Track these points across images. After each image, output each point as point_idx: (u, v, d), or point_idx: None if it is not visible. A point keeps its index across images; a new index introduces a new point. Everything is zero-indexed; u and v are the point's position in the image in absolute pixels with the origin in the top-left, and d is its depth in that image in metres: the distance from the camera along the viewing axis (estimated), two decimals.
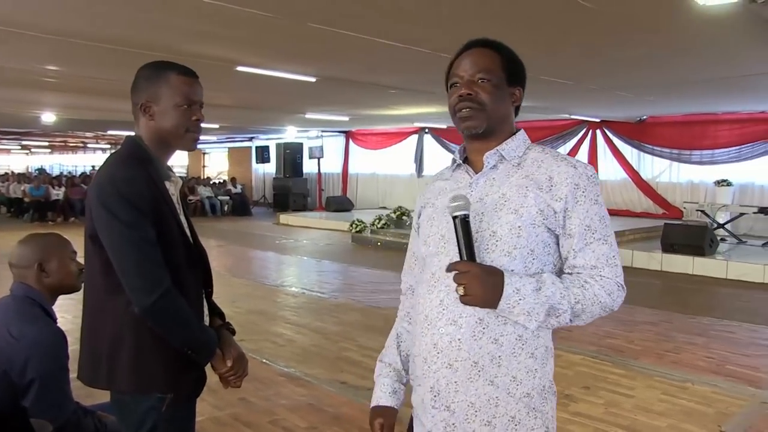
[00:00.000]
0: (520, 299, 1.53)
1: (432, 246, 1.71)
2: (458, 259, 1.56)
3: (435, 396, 1.63)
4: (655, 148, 14.78)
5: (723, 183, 13.27)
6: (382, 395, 1.87)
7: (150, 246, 1.86)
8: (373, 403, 1.88)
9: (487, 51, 1.72)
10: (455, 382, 1.60)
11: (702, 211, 12.38)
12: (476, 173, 1.71)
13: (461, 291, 1.51)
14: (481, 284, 1.51)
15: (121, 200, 1.83)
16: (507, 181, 1.66)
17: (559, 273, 1.66)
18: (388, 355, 1.93)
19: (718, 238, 11.04)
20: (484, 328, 1.58)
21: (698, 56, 7.22)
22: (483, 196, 1.66)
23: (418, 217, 1.86)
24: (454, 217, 1.56)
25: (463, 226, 1.55)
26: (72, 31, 6.29)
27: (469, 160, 1.77)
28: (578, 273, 1.61)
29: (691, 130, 14.08)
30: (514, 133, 1.74)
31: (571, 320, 1.58)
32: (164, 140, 2.01)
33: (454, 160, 1.79)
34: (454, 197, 1.58)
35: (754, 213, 11.99)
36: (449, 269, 1.55)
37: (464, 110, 1.68)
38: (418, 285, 1.77)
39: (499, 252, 1.59)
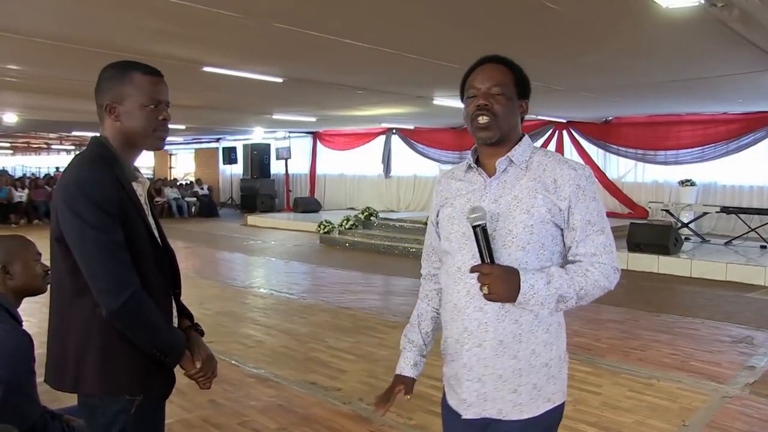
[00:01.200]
0: (534, 293, 1.77)
1: (455, 242, 1.94)
2: (478, 255, 1.81)
3: (468, 371, 1.90)
4: (620, 148, 14.96)
5: (687, 183, 13.49)
6: (405, 367, 2.16)
7: (117, 248, 1.83)
8: (397, 372, 2.18)
9: (501, 67, 1.93)
10: (484, 358, 1.87)
11: (667, 211, 12.56)
12: (489, 176, 1.94)
13: (486, 290, 1.77)
14: (502, 284, 1.76)
15: (87, 203, 1.80)
16: (518, 184, 1.89)
17: (564, 259, 1.93)
18: (410, 333, 2.17)
19: (683, 237, 11.21)
20: (506, 312, 1.84)
21: (661, 58, 7.33)
22: (497, 198, 1.89)
23: (437, 215, 2.06)
24: (475, 227, 1.80)
25: (483, 234, 1.79)
26: (33, 30, 6.18)
27: (480, 163, 1.99)
28: (580, 261, 1.88)
29: (655, 130, 14.28)
30: (521, 139, 1.96)
31: (576, 303, 1.85)
32: (131, 141, 1.99)
33: (468, 163, 1.99)
34: (473, 209, 1.81)
35: (717, 212, 12.21)
36: (473, 271, 1.80)
37: (480, 119, 1.88)
38: (443, 275, 2.01)
39: (515, 247, 1.84)
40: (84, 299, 1.85)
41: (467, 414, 1.92)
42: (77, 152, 2.12)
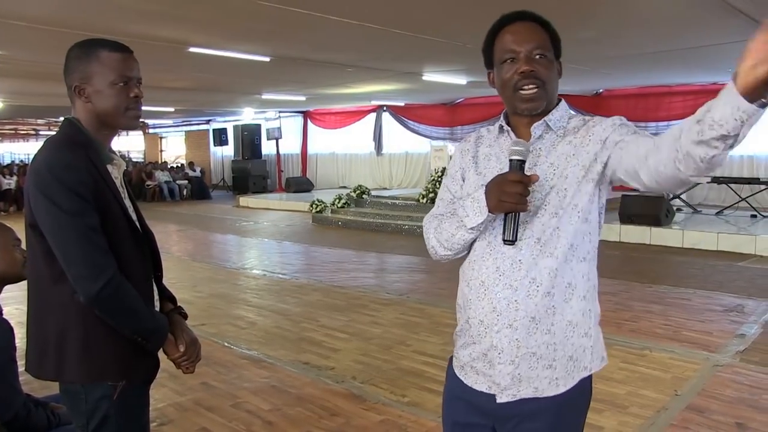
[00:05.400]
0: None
1: None
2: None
3: (500, 353, 1.73)
4: None
5: None
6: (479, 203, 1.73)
7: (93, 233, 1.80)
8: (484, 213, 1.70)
9: (535, 25, 1.71)
10: (516, 339, 1.71)
11: None
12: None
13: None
14: None
15: (60, 187, 1.76)
16: (554, 152, 1.73)
17: (599, 220, 1.78)
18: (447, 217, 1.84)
19: (674, 208, 11.24)
20: (537, 287, 1.69)
21: (651, 29, 7.29)
22: (531, 167, 1.71)
23: (463, 180, 1.87)
24: (512, 160, 1.63)
25: (519, 166, 1.63)
26: (16, 14, 6.10)
27: (512, 125, 1.80)
28: (648, 152, 1.57)
29: (647, 102, 14.26)
30: (558, 103, 1.77)
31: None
32: (104, 121, 1.94)
33: (500, 126, 1.81)
34: (516, 141, 1.67)
35: (708, 183, 12.18)
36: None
37: (527, 89, 1.68)
38: (471, 251, 1.81)
39: (549, 215, 1.69)
40: (62, 285, 1.82)
41: (502, 398, 1.75)
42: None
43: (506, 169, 1.69)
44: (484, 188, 1.67)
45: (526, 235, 1.70)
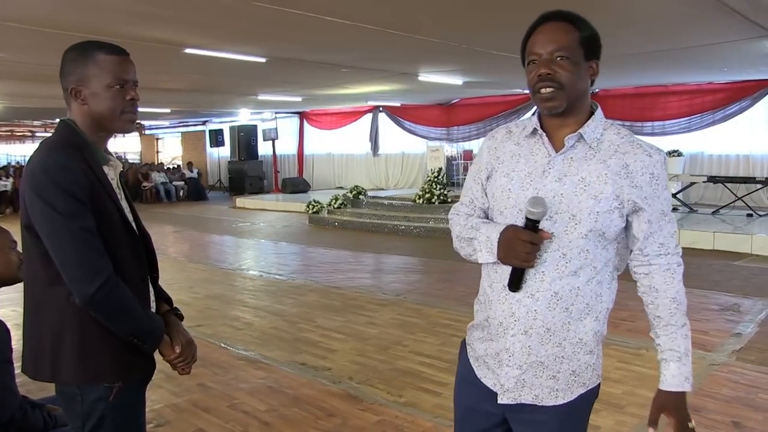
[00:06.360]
0: (688, 372, 1.77)
1: (509, 217, 1.78)
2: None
3: (510, 356, 1.79)
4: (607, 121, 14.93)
5: (674, 153, 13.49)
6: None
7: (89, 235, 1.80)
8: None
9: (563, 25, 1.72)
10: (528, 346, 1.77)
11: None
12: (554, 148, 1.76)
13: None
14: (687, 412, 1.77)
15: (56, 189, 1.76)
16: (586, 166, 1.72)
17: (623, 249, 1.84)
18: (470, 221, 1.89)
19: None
20: (558, 300, 1.73)
21: (646, 28, 7.30)
22: (561, 176, 1.72)
23: (487, 178, 1.87)
24: (529, 220, 1.67)
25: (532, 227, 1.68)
26: (12, 16, 6.09)
27: (544, 128, 1.79)
28: (648, 258, 1.79)
29: (642, 102, 14.26)
30: (593, 112, 1.78)
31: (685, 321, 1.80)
32: (99, 124, 1.94)
33: (534, 127, 1.80)
34: (535, 201, 1.66)
35: (704, 182, 12.27)
36: None
37: (543, 90, 1.70)
38: None
39: (577, 234, 1.70)
40: (58, 287, 1.82)
41: (503, 399, 1.82)
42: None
43: (535, 174, 1.74)
44: (498, 235, 1.73)
45: (552, 248, 1.72)
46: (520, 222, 1.71)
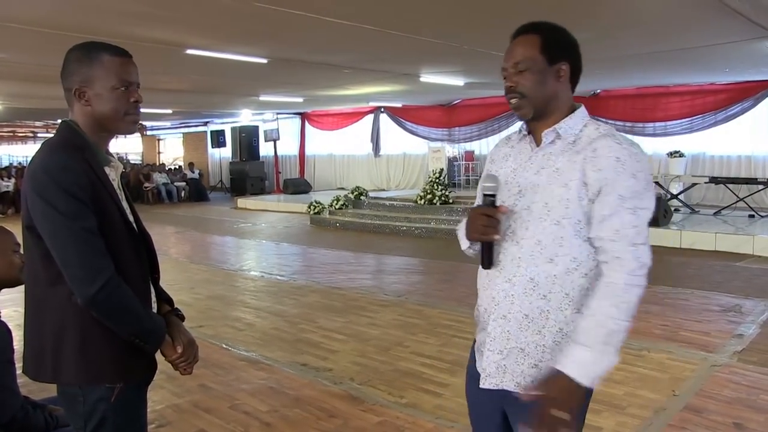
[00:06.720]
0: (585, 362, 1.66)
1: None
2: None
3: (492, 341, 1.87)
4: (608, 121, 14.86)
5: (676, 154, 13.47)
6: None
7: (90, 235, 1.80)
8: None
9: (525, 37, 1.83)
10: (507, 331, 1.84)
11: (656, 183, 12.55)
12: (537, 146, 1.88)
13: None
14: (566, 401, 1.64)
15: (57, 189, 1.76)
16: (562, 158, 1.81)
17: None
18: None
19: (672, 208, 11.24)
20: (534, 287, 1.79)
21: (648, 30, 7.29)
22: (539, 169, 1.83)
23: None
24: (485, 195, 1.83)
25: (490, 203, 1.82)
26: (13, 17, 6.09)
27: (530, 130, 1.92)
28: (602, 242, 1.74)
29: (644, 102, 14.23)
30: (576, 109, 1.87)
31: (628, 321, 1.70)
32: (102, 125, 1.94)
33: (520, 130, 1.95)
34: (487, 177, 1.86)
35: (706, 183, 12.24)
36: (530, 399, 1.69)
37: (511, 101, 1.85)
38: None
39: (550, 221, 1.78)
40: (59, 287, 1.82)
41: (485, 384, 1.88)
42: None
43: (519, 169, 1.89)
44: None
45: (527, 235, 1.80)
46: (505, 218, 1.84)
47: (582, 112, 1.86)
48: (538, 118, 1.84)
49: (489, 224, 1.78)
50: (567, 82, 1.86)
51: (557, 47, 1.83)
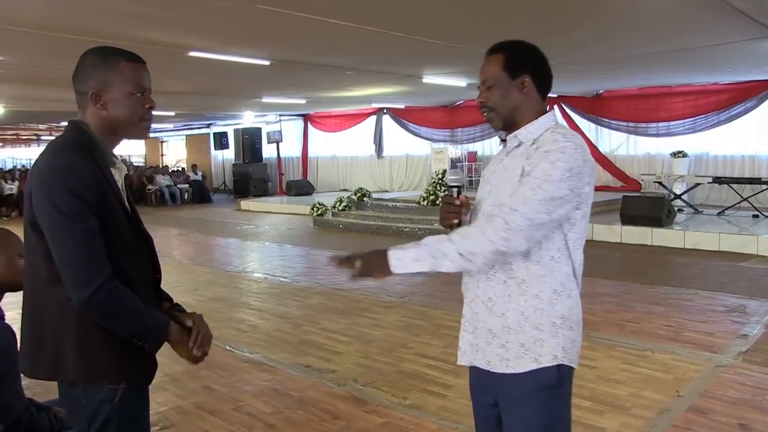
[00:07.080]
0: (403, 255, 1.90)
1: (476, 209, 2.12)
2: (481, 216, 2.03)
3: (465, 321, 2.09)
4: (611, 121, 14.92)
5: (679, 154, 13.45)
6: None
7: (91, 237, 1.79)
8: None
9: (492, 57, 2.05)
10: (476, 312, 2.04)
11: (659, 183, 12.54)
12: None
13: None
14: (371, 265, 1.94)
15: (62, 189, 1.76)
16: (519, 159, 1.96)
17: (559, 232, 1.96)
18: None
19: (675, 208, 11.22)
20: (495, 273, 1.97)
21: (651, 30, 7.28)
22: (503, 170, 2.02)
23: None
24: (450, 187, 2.11)
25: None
26: (16, 19, 6.10)
27: (506, 139, 2.11)
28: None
29: (647, 102, 14.23)
30: (539, 117, 2.02)
31: (464, 258, 1.87)
32: (114, 129, 1.95)
33: (500, 137, 2.15)
34: (452, 172, 2.16)
35: (709, 183, 12.22)
36: (338, 265, 1.98)
37: (484, 114, 2.07)
38: None
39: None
40: (59, 286, 1.81)
41: (461, 360, 2.09)
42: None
43: (498, 171, 2.06)
44: None
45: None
46: (479, 208, 2.08)
47: (546, 117, 2.01)
48: (509, 127, 2.04)
49: (449, 211, 2.05)
50: (532, 91, 2.01)
51: (518, 62, 2.00)
